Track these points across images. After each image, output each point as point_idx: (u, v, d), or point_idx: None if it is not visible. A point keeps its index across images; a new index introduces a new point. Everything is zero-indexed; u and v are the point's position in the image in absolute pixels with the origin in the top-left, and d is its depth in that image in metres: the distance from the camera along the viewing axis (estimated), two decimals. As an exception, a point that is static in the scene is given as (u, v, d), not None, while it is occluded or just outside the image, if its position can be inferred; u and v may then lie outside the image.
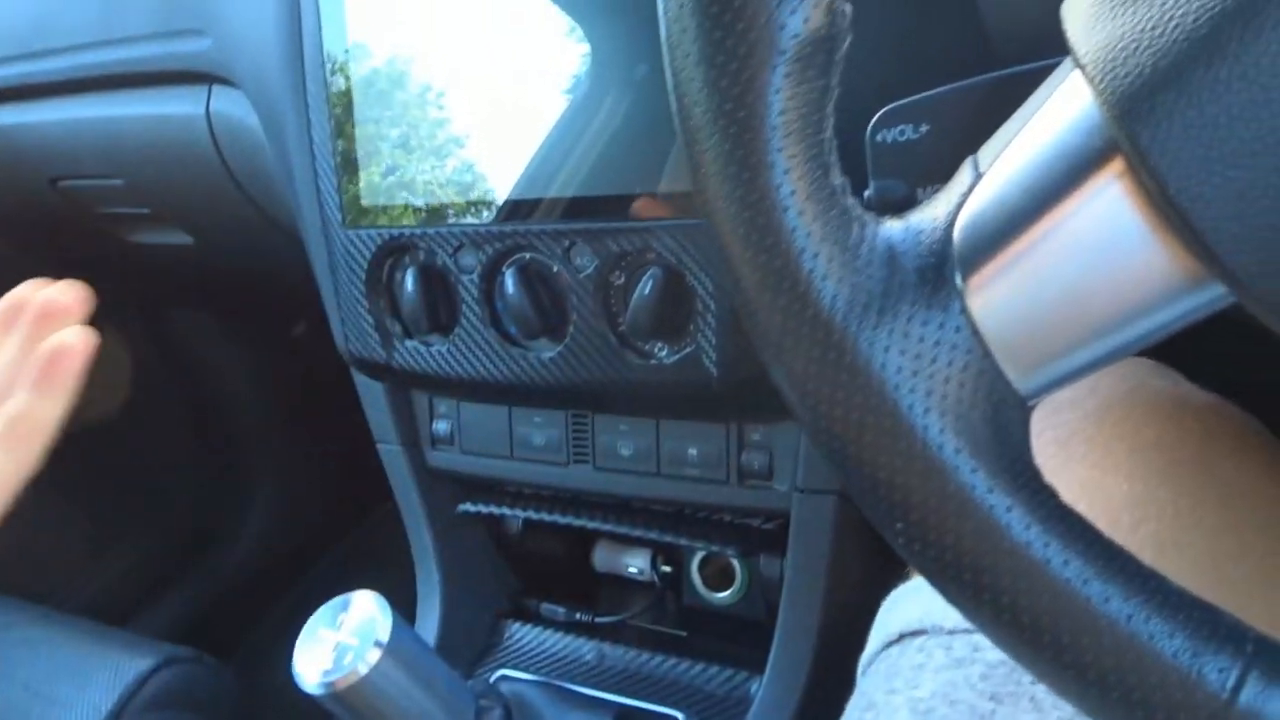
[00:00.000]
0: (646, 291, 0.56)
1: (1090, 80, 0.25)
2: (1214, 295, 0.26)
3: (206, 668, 0.72)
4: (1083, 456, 0.38)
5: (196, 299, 1.29)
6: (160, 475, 1.33)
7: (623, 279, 0.59)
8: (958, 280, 0.27)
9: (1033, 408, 0.28)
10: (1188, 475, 0.36)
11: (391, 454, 0.76)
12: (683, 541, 0.65)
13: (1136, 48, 0.24)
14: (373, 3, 0.64)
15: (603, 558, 0.80)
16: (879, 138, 0.38)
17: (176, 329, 1.33)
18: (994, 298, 0.27)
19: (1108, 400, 0.40)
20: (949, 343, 0.27)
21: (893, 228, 0.29)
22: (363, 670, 0.45)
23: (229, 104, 0.80)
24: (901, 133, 0.38)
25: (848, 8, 0.28)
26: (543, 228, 0.60)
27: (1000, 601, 0.26)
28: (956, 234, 0.28)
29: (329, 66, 0.67)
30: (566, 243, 0.59)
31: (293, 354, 1.43)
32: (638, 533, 0.67)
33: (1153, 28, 0.24)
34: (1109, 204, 0.26)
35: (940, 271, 0.28)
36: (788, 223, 0.28)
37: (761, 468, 0.61)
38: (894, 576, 0.48)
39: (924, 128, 0.37)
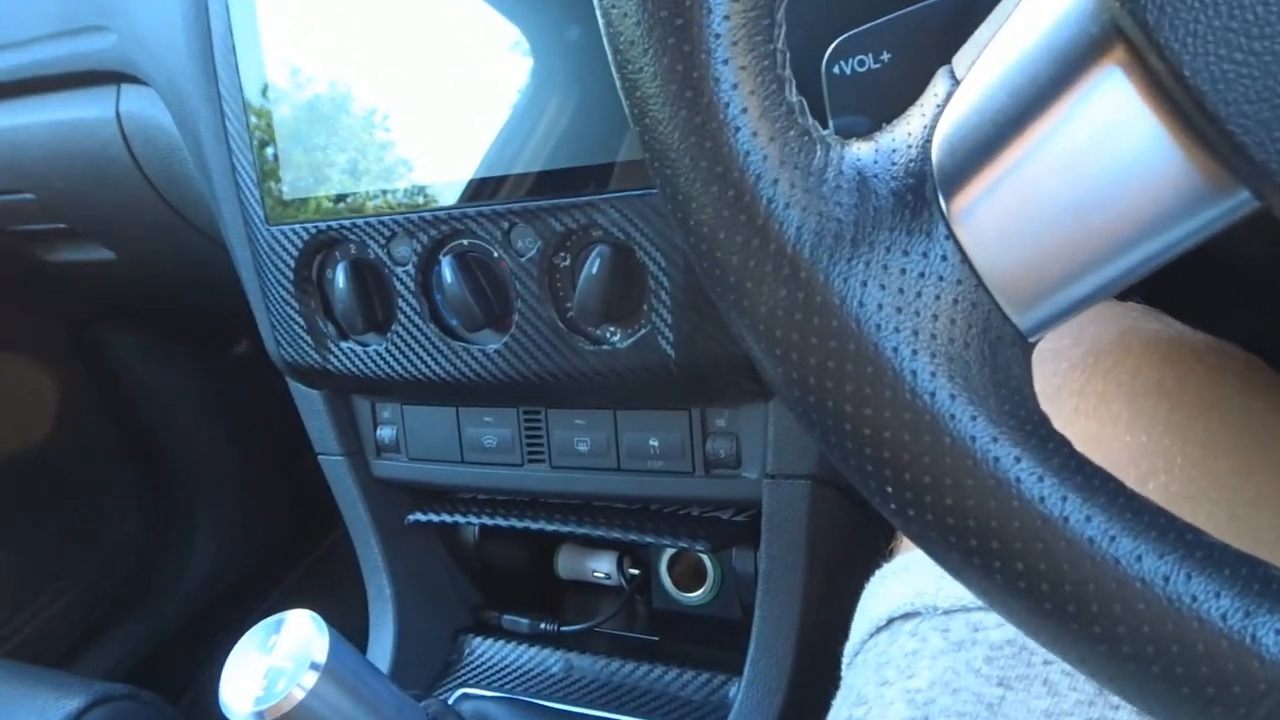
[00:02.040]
0: (594, 271, 0.52)
1: None
2: (1239, 201, 0.22)
3: (144, 705, 0.67)
4: (1075, 409, 0.34)
5: (126, 317, 1.23)
6: (97, 508, 1.27)
7: (568, 260, 0.54)
8: (941, 202, 0.24)
9: (1033, 345, 0.25)
10: (1194, 421, 0.33)
11: (334, 465, 0.71)
12: (649, 540, 0.61)
13: (1135, -91, 0.21)
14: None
15: (566, 563, 0.75)
16: (835, 69, 0.34)
17: (108, 350, 1.27)
18: (984, 219, 0.23)
19: (1096, 347, 0.36)
20: (935, 274, 0.23)
21: (860, 150, 0.25)
22: (298, 695, 0.41)
23: (140, 103, 0.74)
24: (861, 63, 0.34)
25: None
26: (479, 210, 0.55)
27: (1013, 568, 0.22)
28: (935, 150, 0.24)
29: (240, 54, 0.62)
30: (506, 225, 0.55)
31: (233, 373, 1.37)
32: (600, 533, 0.63)
33: (1151, -115, 0.21)
34: (1111, 100, 0.22)
35: (920, 194, 0.24)
36: (740, 145, 0.24)
37: (728, 455, 0.57)
38: (878, 562, 0.45)
39: (885, 56, 0.34)
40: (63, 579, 1.20)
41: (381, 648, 0.70)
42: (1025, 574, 0.22)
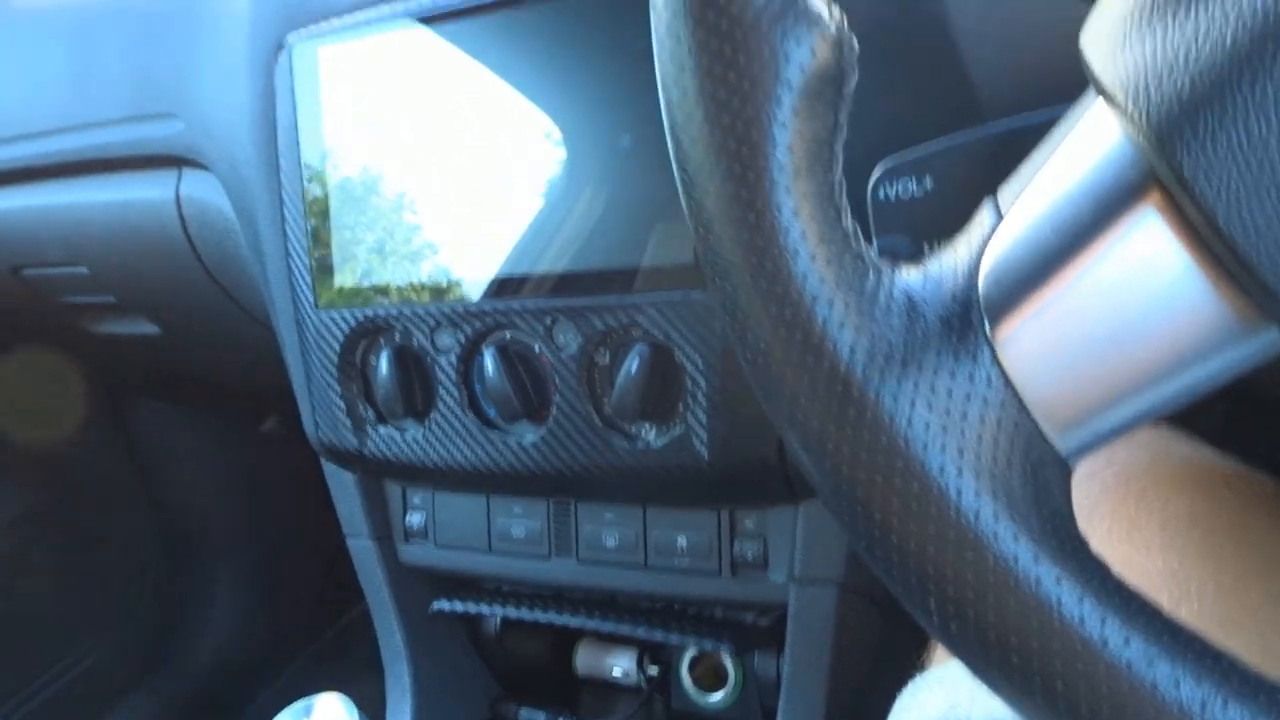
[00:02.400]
0: (633, 370, 0.54)
1: (1120, 108, 0.23)
2: (1270, 340, 0.23)
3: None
4: (1108, 532, 0.35)
5: (163, 391, 1.25)
6: (118, 577, 1.27)
7: (607, 358, 0.56)
8: (986, 328, 0.25)
9: (1073, 469, 0.26)
10: (1227, 549, 0.33)
11: (362, 549, 0.72)
12: (672, 638, 0.61)
13: (1170, 70, 0.22)
14: (350, 87, 0.62)
15: (585, 659, 0.75)
16: (881, 194, 0.36)
17: (141, 420, 1.29)
18: (1027, 346, 0.25)
19: (1128, 471, 0.37)
20: (980, 396, 0.25)
21: (910, 276, 0.26)
22: (324, 783, 0.41)
23: (199, 187, 0.78)
24: (905, 188, 0.36)
25: (855, 41, 0.26)
26: (523, 305, 0.57)
27: (1052, 687, 0.23)
28: (981, 279, 0.26)
29: (303, 145, 0.65)
30: (548, 320, 0.57)
31: (262, 450, 1.39)
32: (624, 630, 0.63)
33: (1186, 48, 0.22)
34: (1148, 241, 0.24)
35: (966, 319, 0.25)
36: (799, 268, 0.25)
37: (755, 557, 0.58)
38: (905, 673, 0.45)
39: (928, 182, 0.36)
40: (80, 646, 1.20)
41: (397, 735, 0.70)
42: (1065, 694, 0.23)
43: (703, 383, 0.53)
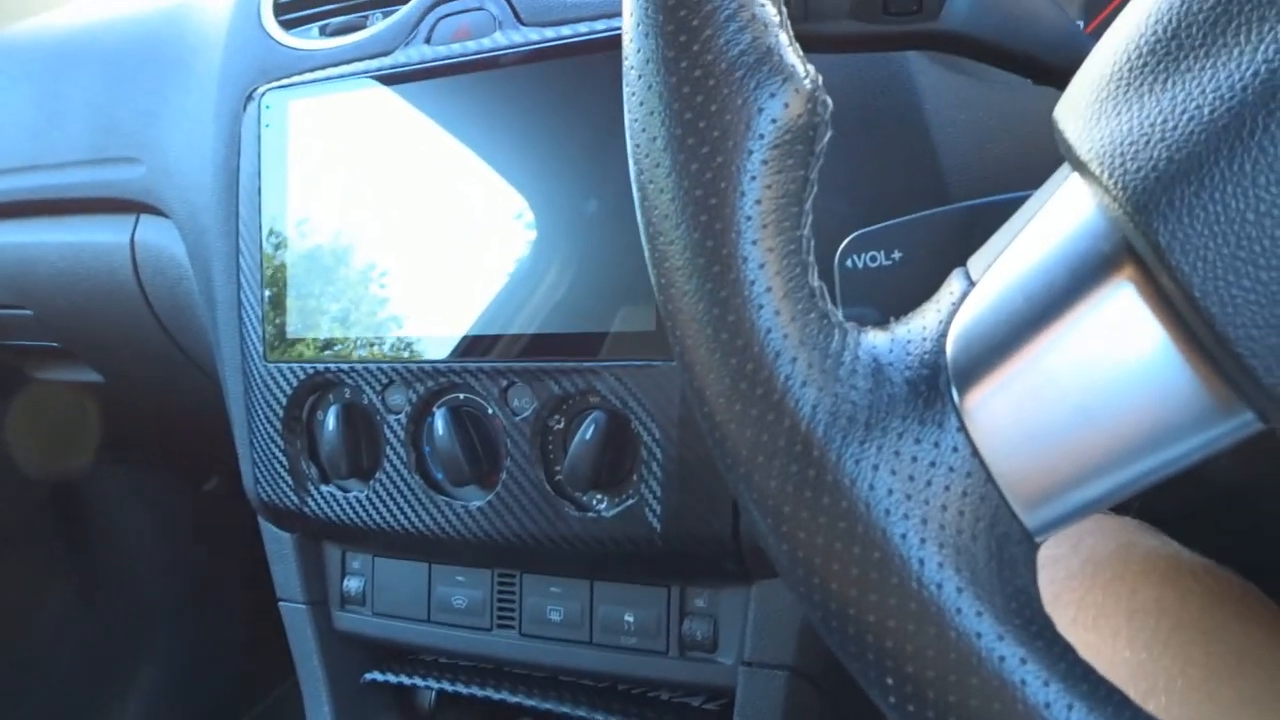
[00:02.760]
0: (587, 436, 0.52)
1: (1097, 179, 0.23)
2: (1244, 421, 0.23)
3: None
4: (1073, 619, 0.34)
5: (103, 446, 1.21)
6: (41, 637, 1.21)
7: (562, 423, 0.55)
8: (954, 395, 0.24)
9: (1038, 545, 0.24)
10: (1196, 643, 0.32)
11: (294, 613, 0.69)
12: (615, 720, 0.59)
13: (1148, 141, 0.22)
14: (316, 140, 0.62)
15: (523, 741, 0.72)
16: (848, 263, 0.36)
17: (81, 477, 1.24)
18: (995, 415, 0.24)
19: (1094, 558, 0.36)
20: (945, 464, 0.24)
21: (876, 339, 0.25)
22: None
23: (155, 233, 0.76)
24: (873, 259, 0.35)
25: (829, 99, 0.26)
26: (479, 365, 0.56)
27: (1016, 778, 0.22)
28: (950, 345, 0.25)
29: (265, 195, 0.64)
30: (504, 383, 0.55)
31: (203, 512, 1.34)
32: (564, 710, 0.60)
33: (1164, 120, 0.22)
34: (1123, 312, 0.23)
35: (934, 385, 0.24)
36: (762, 322, 0.24)
37: (705, 638, 0.56)
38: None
39: (896, 254, 0.35)
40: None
41: (319, 816, 0.66)
42: None
43: (658, 452, 0.52)
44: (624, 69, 0.27)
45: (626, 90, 0.27)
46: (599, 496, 0.54)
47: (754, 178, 0.25)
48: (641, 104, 0.26)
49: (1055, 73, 0.38)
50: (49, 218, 0.83)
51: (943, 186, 0.47)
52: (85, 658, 1.24)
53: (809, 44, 0.39)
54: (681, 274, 0.25)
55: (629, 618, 0.58)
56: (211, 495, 1.33)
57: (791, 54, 0.25)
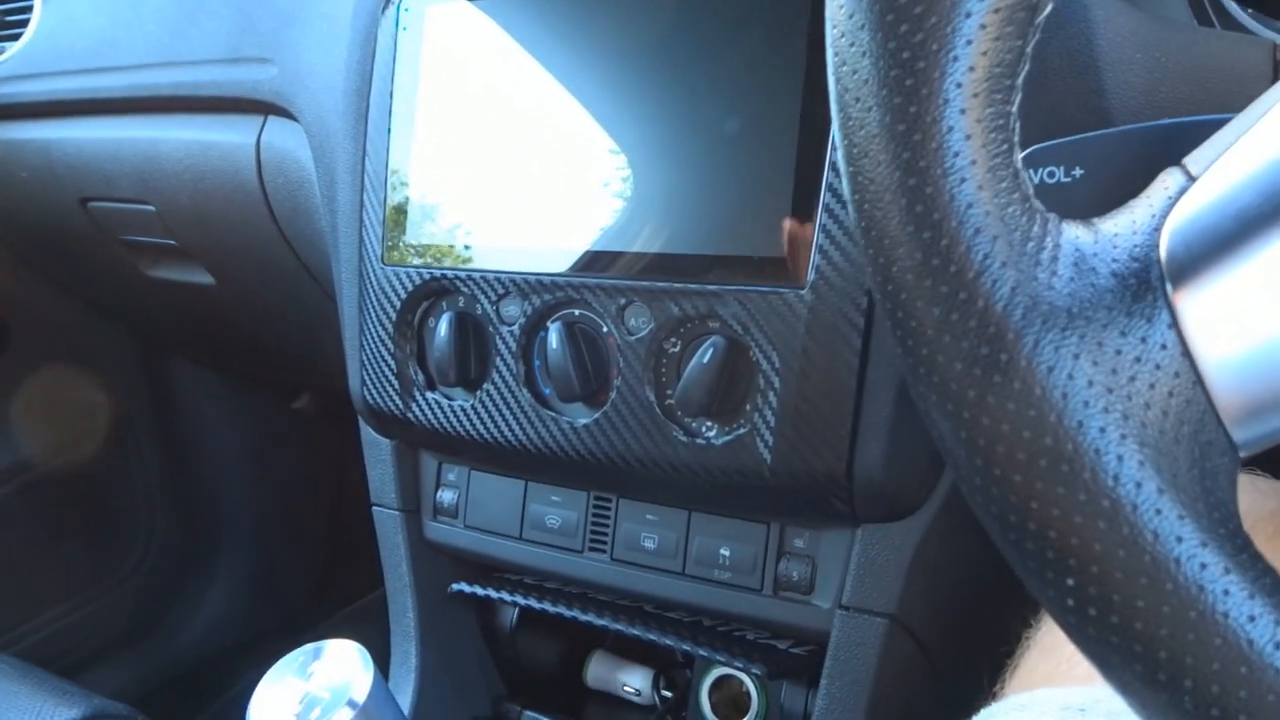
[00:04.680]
0: (705, 360, 0.51)
1: None
2: None
3: (139, 728, 0.64)
4: None
5: (202, 348, 1.24)
6: (130, 530, 1.25)
7: (678, 346, 0.54)
8: (1168, 290, 0.23)
9: (1242, 460, 0.23)
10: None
11: (387, 519, 0.70)
12: (701, 652, 0.58)
13: None
14: (452, 47, 0.61)
15: (598, 671, 0.72)
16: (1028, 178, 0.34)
17: (174, 380, 1.28)
18: (1212, 315, 0.22)
19: (1250, 515, 0.34)
20: (1152, 361, 0.22)
21: (1079, 232, 0.24)
22: (329, 730, 0.38)
23: (281, 136, 0.77)
24: (1051, 174, 0.33)
25: None
26: (598, 282, 0.55)
27: (1206, 692, 0.20)
28: (1165, 239, 0.23)
29: (396, 100, 0.64)
30: (623, 300, 0.55)
31: (286, 428, 1.37)
32: (650, 636, 0.60)
33: None
34: (1373, 211, 0.21)
35: (1145, 279, 0.23)
36: (963, 196, 0.23)
37: (801, 578, 0.55)
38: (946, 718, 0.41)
39: (1077, 171, 0.33)
40: (86, 591, 1.18)
41: None
42: (1219, 700, 0.20)
43: (776, 383, 0.50)
44: None
45: None
46: (709, 424, 0.53)
47: (969, 42, 0.23)
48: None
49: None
50: (178, 114, 0.85)
51: (1107, 113, 0.45)
52: (164, 556, 1.28)
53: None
54: (877, 141, 0.24)
55: (725, 551, 0.57)
56: (299, 413, 1.36)
57: None
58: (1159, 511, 0.21)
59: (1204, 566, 0.20)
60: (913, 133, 0.23)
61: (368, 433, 0.71)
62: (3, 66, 0.96)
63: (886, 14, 0.24)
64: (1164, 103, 0.45)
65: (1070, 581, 0.22)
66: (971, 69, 0.23)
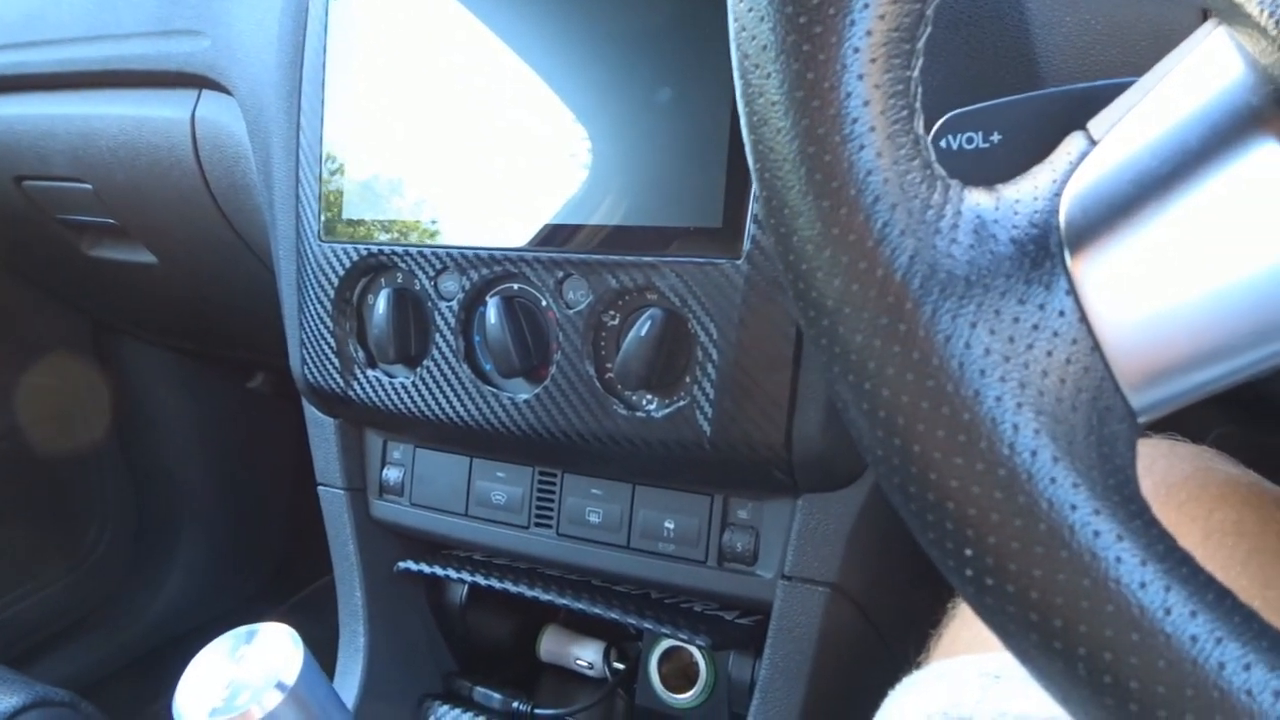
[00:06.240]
0: (643, 333, 0.51)
1: (1254, 22, 0.21)
2: None
3: (81, 715, 0.63)
4: None
5: (152, 328, 1.22)
6: (84, 514, 1.23)
7: (617, 319, 0.53)
8: (1066, 257, 0.22)
9: (1141, 426, 0.23)
10: (1272, 565, 0.30)
11: (333, 498, 0.69)
12: (646, 625, 0.58)
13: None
14: (383, 19, 0.60)
15: (550, 645, 0.72)
16: (943, 144, 0.33)
17: (126, 359, 1.25)
18: (1110, 281, 0.22)
19: (1168, 479, 0.34)
20: (1050, 328, 0.22)
21: (981, 198, 0.24)
22: (255, 714, 0.38)
23: (216, 110, 0.75)
24: (969, 140, 0.33)
25: None
26: (536, 255, 0.54)
27: (1099, 658, 0.20)
28: (1065, 205, 0.23)
29: (329, 72, 0.62)
30: (560, 274, 0.54)
31: (246, 407, 1.36)
32: (596, 611, 0.60)
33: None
34: (1266, 171, 0.21)
35: (1044, 245, 0.23)
36: (862, 163, 0.23)
37: (745, 549, 0.55)
38: (888, 686, 0.42)
39: (995, 136, 0.33)
40: (37, 578, 1.16)
41: (344, 698, 0.66)
42: (1113, 667, 0.20)
43: (715, 354, 0.50)
44: None
45: None
46: (649, 397, 0.53)
47: (866, 5, 0.22)
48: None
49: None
50: (111, 89, 0.83)
51: (1037, 72, 0.44)
52: (123, 537, 1.26)
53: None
54: (777, 109, 0.23)
55: (669, 524, 0.57)
56: (256, 392, 1.34)
57: None
58: (1054, 480, 0.21)
59: (1097, 534, 0.20)
60: (811, 99, 0.23)
61: (311, 411, 0.70)
62: (-73, 42, 0.93)
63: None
64: (1094, 65, 0.45)
65: (969, 551, 0.21)
66: (869, 33, 0.23)
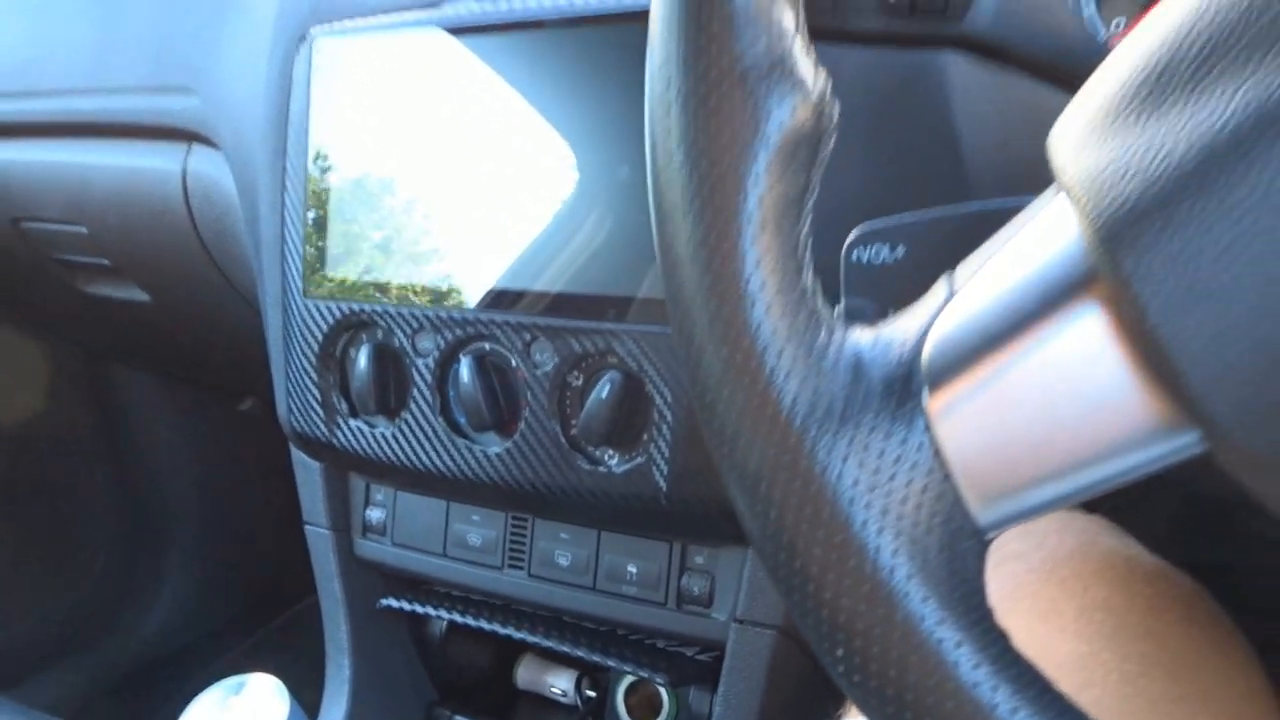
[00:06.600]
0: (603, 395, 0.55)
1: (1076, 203, 0.25)
2: (1188, 441, 0.24)
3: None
4: (1028, 610, 0.36)
5: (144, 360, 1.26)
6: (72, 537, 1.27)
7: (580, 380, 0.57)
8: (924, 397, 0.26)
9: (989, 542, 0.27)
10: (1135, 641, 0.34)
11: (318, 537, 0.73)
12: (610, 663, 0.62)
13: (1125, 174, 0.24)
14: (365, 85, 0.64)
15: (526, 674, 0.75)
16: (854, 256, 0.37)
17: (117, 385, 1.29)
18: (960, 419, 0.26)
19: (1055, 556, 0.38)
20: (909, 460, 0.26)
21: (861, 337, 0.27)
22: (244, 763, 0.41)
23: (206, 163, 0.79)
24: (877, 253, 0.37)
25: (836, 107, 0.27)
26: (506, 318, 0.58)
27: (943, 748, 0.24)
28: (926, 349, 0.27)
29: (313, 135, 0.66)
30: (528, 336, 0.58)
31: (236, 431, 1.39)
32: (564, 648, 0.63)
33: (1141, 156, 0.24)
34: (1086, 332, 0.25)
35: (907, 385, 0.26)
36: (754, 317, 0.26)
37: (701, 593, 0.59)
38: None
39: (900, 250, 0.37)
40: (24, 601, 1.19)
41: (329, 727, 0.70)
42: None
43: (669, 416, 0.54)
44: (647, 63, 0.29)
45: (648, 82, 0.29)
46: (611, 453, 0.56)
47: (758, 179, 0.26)
48: (660, 98, 0.28)
49: (1076, 82, 0.39)
50: (106, 140, 0.86)
51: (963, 180, 0.48)
52: (111, 561, 1.30)
53: (839, 37, 0.40)
54: (684, 266, 0.27)
55: (632, 568, 0.61)
56: (246, 415, 1.38)
57: (804, 62, 0.27)
58: (908, 594, 0.25)
59: (940, 641, 0.24)
60: (712, 259, 0.27)
61: (298, 455, 0.74)
62: (-74, 88, 0.97)
63: (691, 150, 0.27)
64: (1016, 161, 0.49)
65: (840, 651, 0.25)
66: (761, 202, 0.27)
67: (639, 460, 0.55)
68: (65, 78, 0.86)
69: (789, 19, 0.27)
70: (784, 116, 0.26)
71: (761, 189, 0.26)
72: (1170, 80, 0.24)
